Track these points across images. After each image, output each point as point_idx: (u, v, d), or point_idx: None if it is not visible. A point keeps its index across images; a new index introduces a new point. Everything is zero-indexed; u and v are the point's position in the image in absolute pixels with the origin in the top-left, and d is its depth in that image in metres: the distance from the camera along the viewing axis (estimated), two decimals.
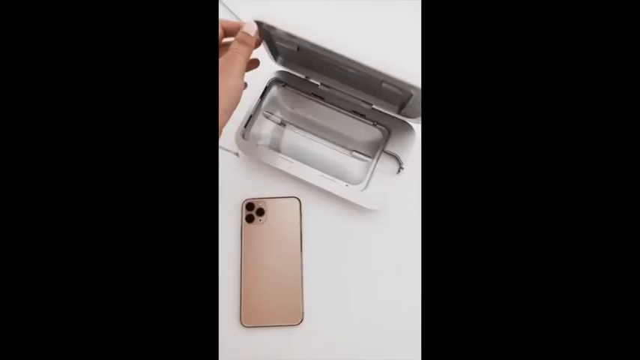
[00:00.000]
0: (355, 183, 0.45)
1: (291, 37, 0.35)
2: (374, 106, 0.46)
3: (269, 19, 0.34)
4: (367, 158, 0.46)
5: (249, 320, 0.42)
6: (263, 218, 0.43)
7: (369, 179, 0.45)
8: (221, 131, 0.33)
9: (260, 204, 0.43)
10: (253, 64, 0.39)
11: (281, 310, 0.42)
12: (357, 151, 0.46)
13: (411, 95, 0.37)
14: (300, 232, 0.43)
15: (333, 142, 0.46)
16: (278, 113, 0.47)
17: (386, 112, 0.46)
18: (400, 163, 0.44)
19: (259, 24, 0.34)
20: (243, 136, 0.45)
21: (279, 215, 0.43)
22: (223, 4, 0.53)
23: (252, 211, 0.43)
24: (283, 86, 0.47)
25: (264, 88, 0.46)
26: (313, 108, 0.47)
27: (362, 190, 0.44)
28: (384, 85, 0.39)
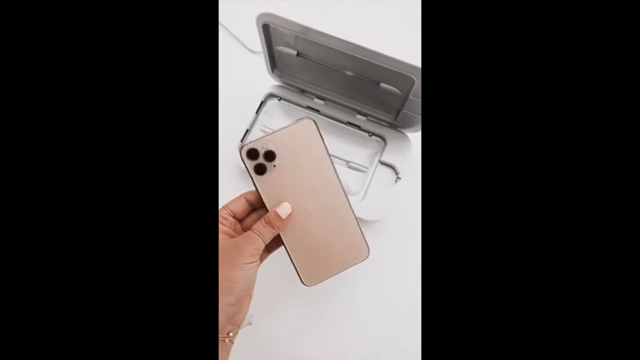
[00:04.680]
0: (353, 194, 0.45)
1: (298, 31, 0.36)
2: (369, 118, 0.46)
3: (277, 16, 0.36)
4: (364, 169, 0.46)
5: (311, 278, 0.33)
6: (277, 162, 0.31)
7: (367, 190, 0.45)
8: (227, 326, 0.29)
9: (267, 145, 0.31)
10: (276, 244, 0.32)
11: (342, 252, 0.33)
12: (353, 163, 0.46)
13: (412, 85, 0.37)
14: (329, 156, 0.32)
15: (330, 155, 0.47)
16: (274, 127, 0.47)
17: (381, 121, 0.46)
18: (397, 173, 0.45)
19: (266, 26, 0.36)
20: (243, 142, 0.46)
21: (295, 148, 0.31)
22: (223, 27, 0.54)
23: (259, 159, 0.31)
24: (279, 100, 0.48)
25: (260, 102, 0.47)
26: None
27: (360, 202, 0.44)
28: (382, 85, 0.40)
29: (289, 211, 0.31)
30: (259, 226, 0.30)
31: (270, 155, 0.31)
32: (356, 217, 0.33)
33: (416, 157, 0.47)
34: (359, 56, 0.36)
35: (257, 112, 0.47)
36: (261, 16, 0.37)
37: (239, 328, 0.30)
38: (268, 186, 0.31)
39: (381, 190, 0.44)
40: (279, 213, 0.30)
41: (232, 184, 0.47)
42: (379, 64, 0.36)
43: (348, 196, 0.33)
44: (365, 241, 0.33)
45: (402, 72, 0.35)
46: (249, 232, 0.30)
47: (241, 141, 0.46)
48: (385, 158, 0.45)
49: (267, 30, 0.39)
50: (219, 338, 0.28)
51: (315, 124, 0.31)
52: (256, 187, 0.31)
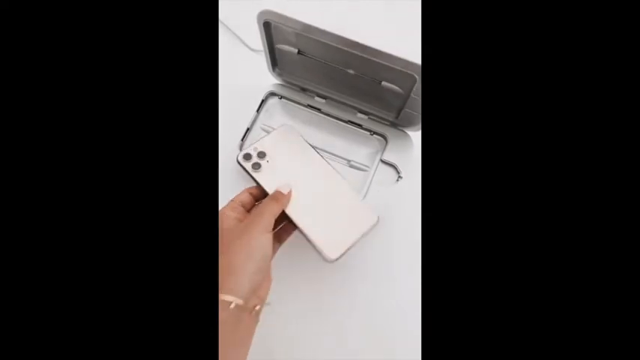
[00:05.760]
0: None
1: (299, 29, 0.36)
2: (370, 116, 0.46)
3: (278, 13, 0.36)
4: (365, 168, 0.46)
5: (333, 251, 0.35)
6: (268, 158, 0.38)
7: (368, 189, 0.44)
8: (252, 299, 0.30)
9: (257, 148, 0.38)
10: (286, 232, 0.37)
11: (352, 222, 0.37)
12: (354, 162, 0.46)
13: (414, 83, 0.37)
14: (313, 148, 0.39)
15: (331, 154, 0.46)
16: (275, 126, 0.47)
17: (382, 119, 0.46)
18: (398, 172, 0.44)
19: (267, 23, 0.37)
20: (241, 149, 0.45)
21: (281, 146, 0.39)
22: (224, 25, 0.54)
23: (253, 159, 0.38)
24: (280, 99, 0.48)
25: (260, 101, 0.47)
26: (310, 120, 0.47)
27: (361, 201, 0.44)
28: (383, 83, 0.39)
29: (289, 187, 0.36)
30: (266, 200, 0.35)
31: (261, 154, 0.38)
32: (354, 191, 0.38)
33: (417, 156, 0.46)
34: (360, 54, 0.35)
35: (258, 110, 0.47)
36: (262, 13, 0.37)
37: (263, 304, 0.32)
38: (266, 177, 0.37)
39: (383, 189, 0.44)
40: (280, 189, 0.36)
41: (232, 183, 0.46)
42: (381, 62, 0.35)
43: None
44: (369, 208, 0.38)
45: (404, 70, 0.35)
46: (257, 207, 0.34)
47: (242, 140, 0.46)
48: (386, 157, 0.45)
49: (268, 28, 0.39)
50: (246, 309, 0.30)
51: (292, 127, 0.40)
52: (257, 182, 0.37)
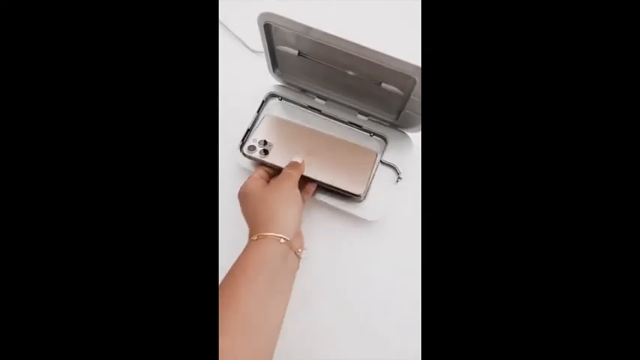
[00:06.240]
0: None
1: (299, 31, 0.36)
2: (370, 117, 0.46)
3: (278, 15, 0.36)
4: None
5: (357, 187, 0.42)
6: (270, 142, 0.44)
7: (368, 190, 0.45)
8: (295, 242, 0.34)
9: (257, 138, 0.44)
10: (307, 194, 0.42)
11: (359, 161, 0.44)
12: None
13: (414, 84, 0.37)
14: (296, 123, 0.46)
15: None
16: None
17: (382, 121, 0.46)
18: (398, 173, 0.45)
19: (267, 25, 0.38)
20: (241, 149, 0.45)
21: (274, 130, 0.45)
22: (225, 26, 0.54)
23: (259, 148, 0.43)
24: (280, 100, 0.48)
25: (261, 102, 0.47)
26: (310, 121, 0.47)
27: (361, 202, 0.44)
28: (383, 85, 0.40)
29: (301, 157, 0.41)
30: (284, 169, 0.40)
31: (262, 142, 0.44)
32: (348, 140, 0.45)
33: (417, 157, 0.46)
34: (360, 56, 0.36)
35: (258, 111, 0.47)
36: (262, 15, 0.37)
37: (303, 249, 0.37)
38: (277, 157, 0.43)
39: (383, 190, 0.44)
40: (295, 159, 0.41)
41: (234, 183, 0.46)
42: (380, 64, 0.35)
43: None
44: (366, 148, 0.45)
45: (404, 72, 0.35)
46: (277, 177, 0.39)
47: (242, 140, 0.46)
48: (386, 158, 0.45)
49: (269, 30, 0.39)
50: (292, 248, 0.34)
51: (274, 116, 0.46)
52: (270, 165, 0.42)
